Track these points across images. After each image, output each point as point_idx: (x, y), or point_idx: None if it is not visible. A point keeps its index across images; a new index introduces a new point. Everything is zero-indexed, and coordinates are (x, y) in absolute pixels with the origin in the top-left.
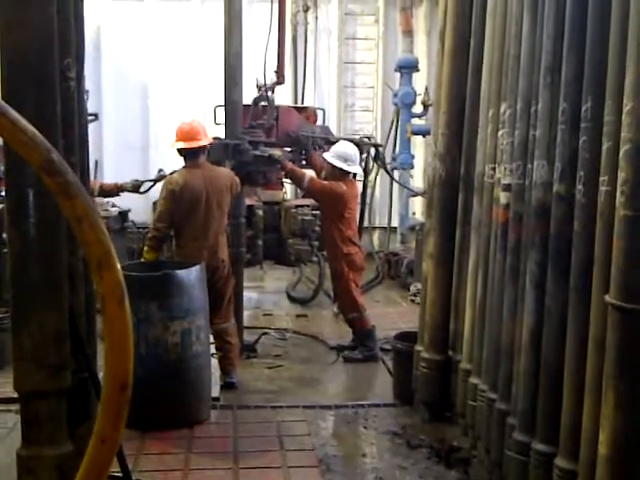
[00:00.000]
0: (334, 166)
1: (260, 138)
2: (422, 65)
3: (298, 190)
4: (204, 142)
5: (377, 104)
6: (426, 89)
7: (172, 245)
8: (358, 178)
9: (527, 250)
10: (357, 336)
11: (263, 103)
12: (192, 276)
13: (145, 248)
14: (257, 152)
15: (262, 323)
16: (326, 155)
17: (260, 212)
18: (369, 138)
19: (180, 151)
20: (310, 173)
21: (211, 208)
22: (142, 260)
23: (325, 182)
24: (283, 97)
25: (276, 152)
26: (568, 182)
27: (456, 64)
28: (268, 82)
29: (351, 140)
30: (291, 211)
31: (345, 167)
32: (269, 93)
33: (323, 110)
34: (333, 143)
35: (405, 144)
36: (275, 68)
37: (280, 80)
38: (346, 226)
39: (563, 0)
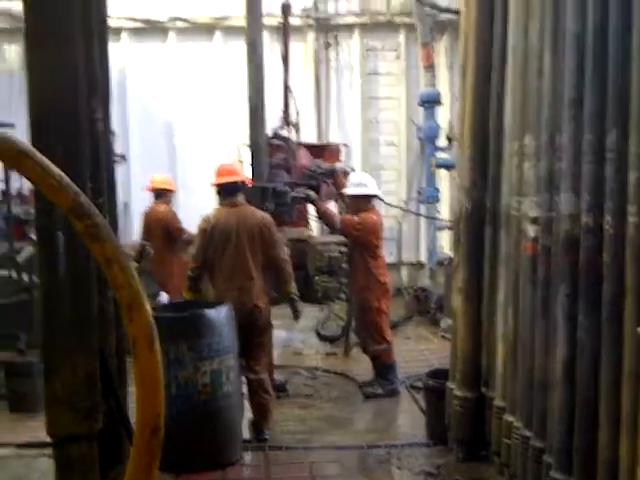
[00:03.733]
0: (356, 197)
1: (284, 179)
2: (445, 99)
3: (324, 227)
4: (240, 178)
5: (402, 138)
6: (450, 123)
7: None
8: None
9: (557, 282)
10: (378, 369)
11: (276, 142)
12: (221, 315)
13: (184, 288)
14: (294, 194)
15: (292, 362)
16: (346, 191)
17: (286, 250)
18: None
19: (218, 191)
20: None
21: (241, 247)
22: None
23: (355, 218)
24: (307, 134)
25: (310, 193)
26: (596, 213)
27: (479, 98)
28: (290, 121)
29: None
30: (317, 248)
31: (367, 191)
32: (284, 132)
33: (347, 146)
34: (332, 175)
35: (430, 178)
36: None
37: (287, 121)
38: (379, 255)
39: (583, 33)
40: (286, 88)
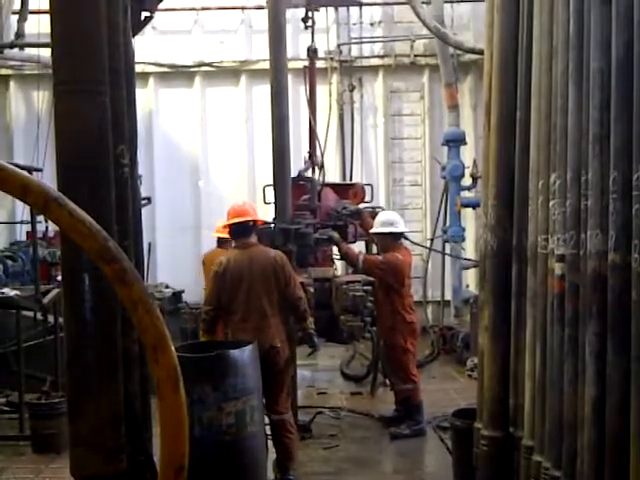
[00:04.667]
0: (384, 235)
1: (309, 220)
2: (469, 138)
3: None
4: (252, 218)
5: (425, 178)
6: (474, 162)
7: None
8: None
9: (585, 320)
10: (405, 409)
11: (301, 183)
12: (245, 355)
13: (200, 331)
14: (317, 235)
15: (316, 402)
16: (373, 230)
17: (311, 289)
18: (373, 208)
19: (230, 232)
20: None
21: (255, 287)
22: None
23: (379, 257)
24: (332, 174)
25: (334, 234)
26: (623, 251)
27: (503, 136)
28: (315, 162)
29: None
30: (342, 287)
31: (394, 229)
32: (309, 173)
33: (371, 186)
34: (358, 215)
35: (455, 217)
36: (308, 150)
37: (312, 162)
38: (406, 294)
39: (608, 69)
40: (311, 129)
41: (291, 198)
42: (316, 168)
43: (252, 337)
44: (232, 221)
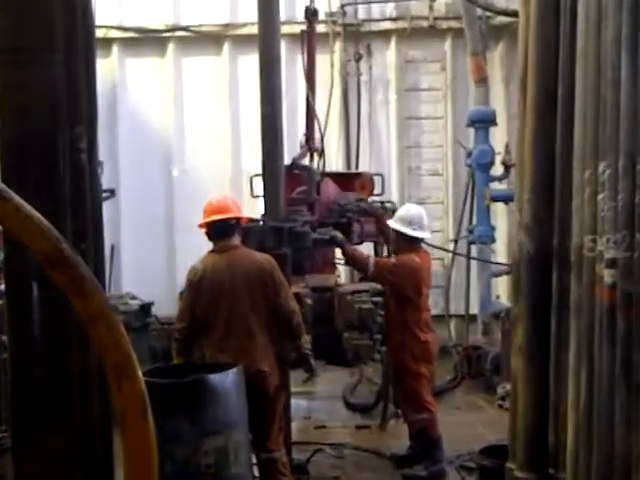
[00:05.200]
0: (398, 233)
1: (306, 217)
2: (500, 119)
3: (354, 273)
4: (234, 214)
5: (447, 166)
6: (506, 147)
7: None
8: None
9: None
10: (421, 445)
11: (296, 172)
12: (228, 381)
13: (173, 352)
14: (316, 235)
15: (314, 438)
16: (389, 221)
17: (308, 301)
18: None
19: (208, 232)
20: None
21: (238, 299)
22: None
23: (392, 260)
24: (334, 162)
25: (336, 234)
26: None
27: (542, 117)
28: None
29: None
30: (347, 298)
31: (408, 232)
32: (305, 160)
33: (382, 176)
34: (370, 214)
35: (483, 213)
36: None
37: (310, 148)
38: (422, 308)
39: None
40: (309, 108)
41: (284, 190)
42: (315, 154)
43: (235, 359)
44: (210, 219)
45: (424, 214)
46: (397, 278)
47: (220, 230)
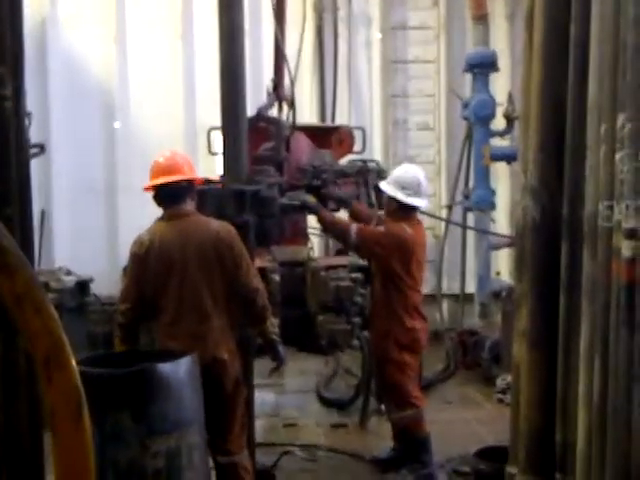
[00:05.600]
0: (390, 198)
1: (274, 178)
2: (503, 63)
3: (331, 243)
4: (186, 176)
5: (440, 119)
6: (509, 96)
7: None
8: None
9: None
10: (406, 446)
11: (262, 125)
12: (180, 371)
13: (115, 340)
14: (285, 200)
15: (282, 438)
16: (381, 183)
17: (276, 277)
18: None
19: (156, 197)
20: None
21: (191, 276)
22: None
23: (379, 229)
24: (305, 114)
25: (310, 198)
26: None
27: (551, 60)
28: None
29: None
30: (321, 274)
31: (401, 197)
32: (273, 112)
33: (362, 130)
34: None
35: (482, 175)
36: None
37: (280, 96)
38: (412, 289)
39: None
40: (277, 49)
41: (247, 147)
42: (284, 104)
43: (188, 346)
44: (157, 181)
45: (422, 178)
46: (384, 250)
47: (169, 194)
